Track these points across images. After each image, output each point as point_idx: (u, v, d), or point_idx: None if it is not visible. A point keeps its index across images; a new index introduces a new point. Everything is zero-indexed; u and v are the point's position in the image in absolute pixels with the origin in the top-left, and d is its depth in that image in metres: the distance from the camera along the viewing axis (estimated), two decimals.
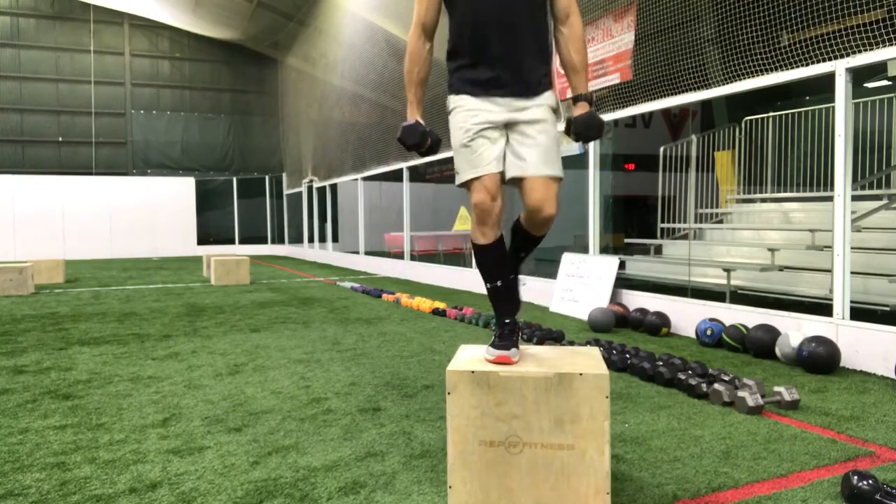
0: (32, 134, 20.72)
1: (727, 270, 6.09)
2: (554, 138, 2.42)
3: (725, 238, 7.88)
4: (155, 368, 4.48)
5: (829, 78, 4.41)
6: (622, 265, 6.79)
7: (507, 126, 2.40)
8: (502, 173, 2.39)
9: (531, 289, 7.64)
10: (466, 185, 2.40)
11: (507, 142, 2.40)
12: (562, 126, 2.50)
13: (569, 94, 2.49)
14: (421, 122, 2.45)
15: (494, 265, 2.46)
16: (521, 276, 2.62)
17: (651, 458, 2.67)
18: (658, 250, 8.33)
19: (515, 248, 2.60)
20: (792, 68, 4.70)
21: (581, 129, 2.40)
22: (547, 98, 2.42)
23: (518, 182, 2.38)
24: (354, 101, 14.64)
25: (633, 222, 15.29)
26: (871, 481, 2.17)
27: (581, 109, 2.43)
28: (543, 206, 2.36)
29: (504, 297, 2.48)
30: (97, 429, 3.14)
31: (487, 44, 2.36)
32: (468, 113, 2.38)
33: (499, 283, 2.46)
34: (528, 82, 2.38)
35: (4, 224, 20.02)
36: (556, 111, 2.46)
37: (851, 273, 4.44)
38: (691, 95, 5.58)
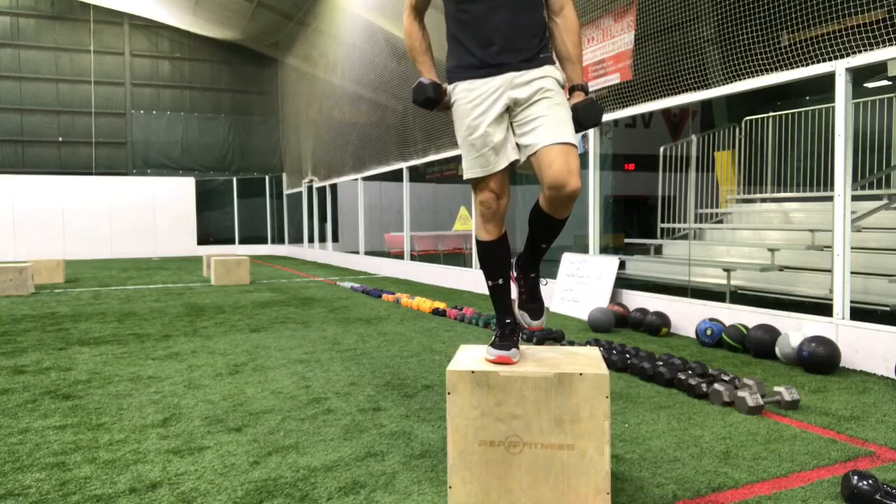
0: (32, 134, 20.71)
1: (727, 270, 6.09)
2: (564, 107, 2.32)
3: (725, 238, 7.88)
4: (155, 368, 4.48)
5: (829, 78, 4.41)
6: (622, 265, 6.79)
7: (511, 108, 2.33)
8: (515, 161, 2.32)
9: None
10: (471, 181, 2.41)
11: (512, 125, 2.33)
12: None
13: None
14: (426, 79, 2.40)
15: (497, 262, 2.46)
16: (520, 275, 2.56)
17: (651, 458, 2.66)
18: (658, 250, 8.33)
19: (536, 238, 2.45)
20: (792, 68, 4.69)
21: (581, 117, 2.37)
22: (549, 70, 2.34)
23: (533, 159, 2.25)
24: (354, 101, 14.64)
25: (633, 222, 15.31)
26: (871, 481, 2.17)
27: (578, 98, 2.41)
28: (566, 178, 2.18)
29: (506, 295, 2.48)
30: (97, 429, 3.14)
31: (484, 23, 2.32)
32: (468, 106, 2.34)
33: (500, 281, 2.46)
34: (526, 55, 2.32)
35: (4, 224, 20.01)
36: (561, 85, 2.38)
37: (851, 273, 4.44)
38: (691, 95, 5.58)
